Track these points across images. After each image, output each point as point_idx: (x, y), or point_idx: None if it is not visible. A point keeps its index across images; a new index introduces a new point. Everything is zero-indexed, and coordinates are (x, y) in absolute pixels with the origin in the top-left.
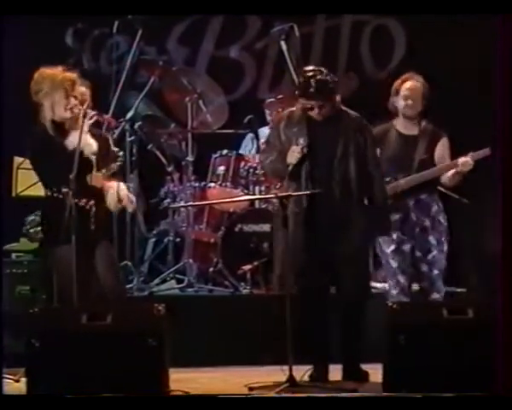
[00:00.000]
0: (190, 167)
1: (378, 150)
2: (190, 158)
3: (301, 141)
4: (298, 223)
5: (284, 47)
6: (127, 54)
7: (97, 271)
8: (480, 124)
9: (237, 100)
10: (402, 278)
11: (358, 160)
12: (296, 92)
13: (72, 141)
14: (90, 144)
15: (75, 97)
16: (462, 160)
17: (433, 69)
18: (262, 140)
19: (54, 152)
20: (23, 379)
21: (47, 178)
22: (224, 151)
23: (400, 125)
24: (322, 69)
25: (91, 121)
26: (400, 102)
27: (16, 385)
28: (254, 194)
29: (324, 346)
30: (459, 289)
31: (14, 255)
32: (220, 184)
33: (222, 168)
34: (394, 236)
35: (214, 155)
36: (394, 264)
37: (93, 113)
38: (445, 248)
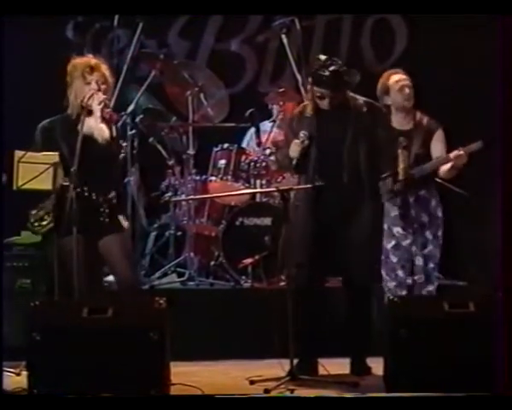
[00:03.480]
0: (191, 161)
1: None
2: (191, 151)
3: (301, 134)
4: (305, 214)
5: (285, 40)
6: (128, 47)
7: (111, 261)
8: (479, 117)
9: (238, 93)
10: (401, 272)
11: (369, 144)
12: (309, 80)
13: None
14: (103, 130)
15: (90, 83)
16: (454, 153)
17: (433, 63)
18: (263, 134)
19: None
20: (24, 373)
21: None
22: (225, 145)
23: (394, 120)
24: (338, 60)
25: (101, 106)
26: (396, 96)
27: (17, 379)
28: (255, 187)
29: (313, 339)
30: (460, 283)
31: (15, 249)
32: (221, 178)
33: (223, 162)
34: (395, 231)
35: (215, 149)
36: (394, 259)
37: (104, 97)
38: (441, 241)
